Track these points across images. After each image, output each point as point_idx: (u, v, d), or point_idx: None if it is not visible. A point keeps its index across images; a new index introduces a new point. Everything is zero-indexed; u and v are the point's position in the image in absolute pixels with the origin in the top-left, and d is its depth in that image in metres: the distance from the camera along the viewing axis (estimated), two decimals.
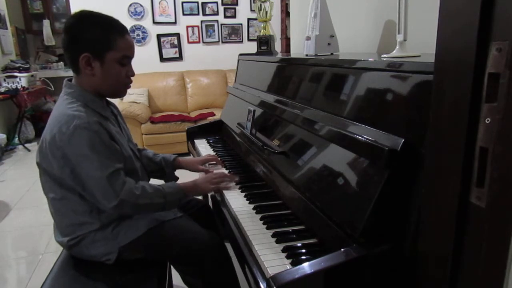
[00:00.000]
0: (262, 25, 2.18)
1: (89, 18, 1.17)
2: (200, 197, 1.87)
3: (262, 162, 1.39)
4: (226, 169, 1.55)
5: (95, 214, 1.18)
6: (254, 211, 1.16)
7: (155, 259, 1.27)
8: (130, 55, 1.21)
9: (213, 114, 4.23)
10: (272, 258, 0.91)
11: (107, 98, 1.30)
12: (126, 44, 1.18)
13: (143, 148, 1.57)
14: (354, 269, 0.77)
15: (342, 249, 0.78)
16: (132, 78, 1.26)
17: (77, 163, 1.10)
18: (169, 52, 4.84)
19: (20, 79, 4.53)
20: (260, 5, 2.12)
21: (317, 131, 1.08)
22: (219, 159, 1.65)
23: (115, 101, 1.29)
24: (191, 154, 2.13)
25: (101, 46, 1.15)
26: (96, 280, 1.17)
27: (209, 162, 1.62)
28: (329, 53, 1.48)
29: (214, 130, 2.15)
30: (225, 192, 1.33)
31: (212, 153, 1.83)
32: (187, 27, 4.87)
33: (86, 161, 1.10)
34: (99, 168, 1.10)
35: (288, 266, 0.87)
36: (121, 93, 1.27)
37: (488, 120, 0.54)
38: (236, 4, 5.02)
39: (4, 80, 4.49)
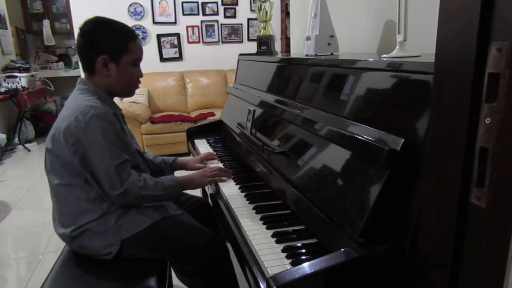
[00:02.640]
0: (262, 25, 2.18)
1: (105, 24, 1.27)
2: (200, 195, 1.88)
3: (262, 162, 1.39)
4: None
5: (97, 203, 1.21)
6: (254, 211, 1.16)
7: (155, 256, 1.27)
8: (141, 58, 1.33)
9: (213, 114, 4.23)
10: (272, 258, 0.91)
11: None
12: (138, 48, 1.31)
13: (143, 151, 1.58)
14: (354, 269, 0.76)
15: (342, 249, 0.78)
16: (140, 79, 1.37)
17: (89, 150, 1.16)
18: (169, 52, 4.84)
19: (20, 79, 4.53)
20: (260, 5, 2.12)
21: (317, 131, 1.08)
22: (215, 154, 1.70)
23: (115, 101, 1.35)
24: (191, 154, 2.13)
25: (118, 49, 1.26)
26: (97, 279, 1.18)
27: (208, 160, 1.67)
28: (329, 53, 1.48)
29: (214, 130, 2.15)
30: (225, 192, 1.33)
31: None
32: (187, 27, 4.86)
33: (98, 149, 1.16)
34: (110, 157, 1.17)
35: (288, 266, 0.87)
36: (131, 93, 1.39)
37: (488, 120, 0.54)
38: (236, 4, 5.02)
39: (4, 80, 4.49)
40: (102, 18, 1.28)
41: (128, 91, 1.36)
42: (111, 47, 1.25)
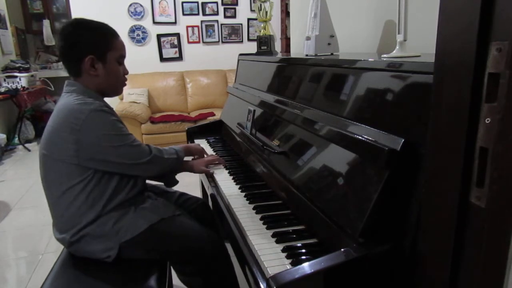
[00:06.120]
0: (262, 25, 2.18)
1: (85, 24, 1.26)
2: (199, 195, 1.88)
3: (262, 162, 1.39)
4: (226, 169, 1.55)
5: (94, 204, 1.21)
6: (254, 211, 1.16)
7: (155, 257, 1.27)
8: (124, 55, 1.33)
9: (213, 114, 4.24)
10: (272, 258, 0.91)
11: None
12: (121, 45, 1.30)
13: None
14: (354, 269, 0.76)
15: (342, 249, 0.78)
16: (127, 76, 1.37)
17: (99, 143, 1.17)
18: (169, 52, 4.84)
19: (20, 79, 4.53)
20: (260, 5, 2.12)
21: (317, 131, 1.08)
22: (221, 158, 1.64)
23: (115, 101, 1.34)
24: None
25: (103, 47, 1.25)
26: (97, 279, 1.17)
27: (214, 164, 1.61)
28: (329, 53, 1.48)
29: (214, 130, 2.15)
30: (225, 192, 1.33)
31: (212, 153, 1.83)
32: (187, 27, 4.87)
33: (109, 138, 1.18)
34: (124, 139, 1.22)
35: (288, 266, 0.87)
36: (119, 91, 1.38)
37: (488, 120, 0.54)
38: (236, 4, 5.03)
39: (4, 80, 4.49)
40: (81, 19, 1.27)
41: (116, 90, 1.35)
42: (95, 46, 1.24)
